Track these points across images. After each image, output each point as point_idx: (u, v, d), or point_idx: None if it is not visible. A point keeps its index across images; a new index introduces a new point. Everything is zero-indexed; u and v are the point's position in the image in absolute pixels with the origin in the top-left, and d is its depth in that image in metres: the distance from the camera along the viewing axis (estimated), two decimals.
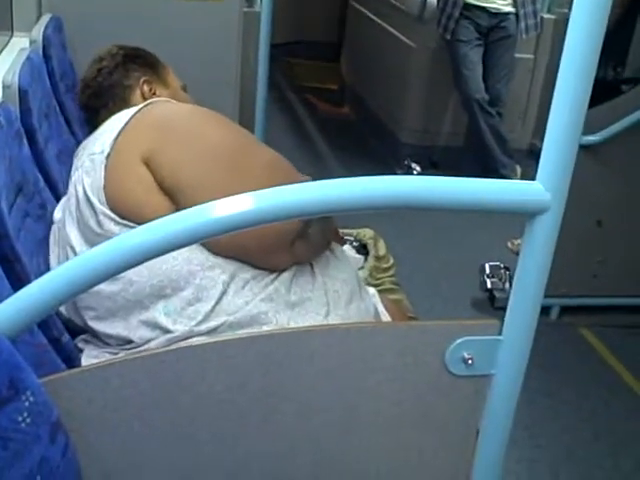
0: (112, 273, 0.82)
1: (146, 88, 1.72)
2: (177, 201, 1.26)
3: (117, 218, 1.27)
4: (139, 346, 1.25)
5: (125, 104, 1.65)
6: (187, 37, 2.31)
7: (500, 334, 0.98)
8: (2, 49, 2.01)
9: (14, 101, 1.50)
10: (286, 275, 1.31)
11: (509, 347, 0.98)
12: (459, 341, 0.97)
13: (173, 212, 1.24)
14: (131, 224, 1.26)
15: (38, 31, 1.93)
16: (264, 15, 2.60)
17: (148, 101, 1.47)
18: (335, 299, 1.34)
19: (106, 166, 1.30)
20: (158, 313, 1.24)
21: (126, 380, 0.90)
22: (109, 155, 1.30)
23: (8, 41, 2.09)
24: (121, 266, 0.82)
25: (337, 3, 6.44)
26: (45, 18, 2.08)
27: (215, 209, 0.83)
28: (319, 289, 1.33)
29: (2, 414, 0.76)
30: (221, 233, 0.84)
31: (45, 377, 0.86)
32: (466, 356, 0.98)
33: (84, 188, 1.32)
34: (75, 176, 1.38)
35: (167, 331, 1.23)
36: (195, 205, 0.85)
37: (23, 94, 1.52)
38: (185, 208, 1.22)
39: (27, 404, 0.78)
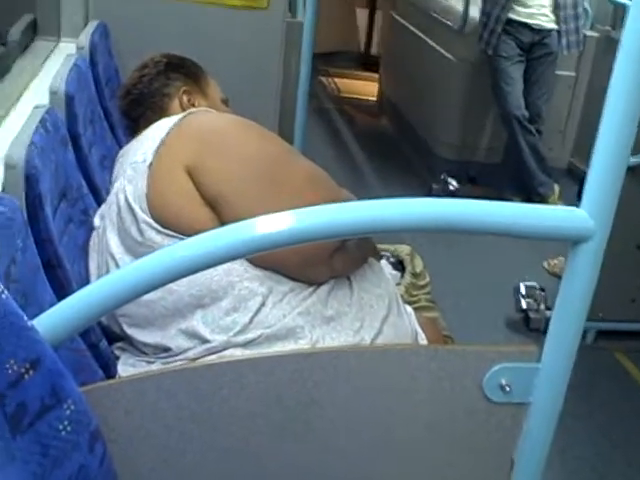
0: (155, 286, 0.83)
1: (185, 98, 1.72)
2: (218, 211, 1.27)
3: (158, 227, 1.28)
4: (176, 355, 1.26)
5: (163, 113, 1.66)
6: (231, 45, 2.32)
7: (539, 361, 0.97)
8: (49, 54, 2.04)
9: (61, 107, 1.52)
10: (324, 289, 1.31)
11: (548, 375, 0.97)
12: (497, 367, 0.96)
13: (214, 222, 1.26)
14: (172, 233, 1.27)
15: (85, 37, 1.96)
16: (307, 25, 2.61)
17: (189, 110, 1.48)
18: (371, 314, 1.34)
19: (149, 175, 1.31)
20: (196, 322, 1.25)
21: (163, 392, 0.91)
22: (151, 164, 1.32)
23: (55, 46, 2.12)
24: (164, 279, 0.83)
25: (379, 14, 6.47)
26: (92, 24, 2.11)
27: (258, 226, 0.84)
28: (355, 304, 1.33)
29: (44, 421, 0.77)
30: (263, 250, 0.85)
31: (85, 386, 0.87)
32: (504, 383, 0.97)
33: (126, 196, 1.33)
34: (117, 184, 1.40)
35: (205, 341, 1.24)
36: (235, 216, 0.85)
37: (69, 100, 1.54)
38: (226, 218, 1.26)
39: (68, 412, 0.79)
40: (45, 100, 1.52)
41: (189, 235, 0.95)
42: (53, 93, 1.53)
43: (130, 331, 1.32)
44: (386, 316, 1.36)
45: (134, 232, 1.31)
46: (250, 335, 1.23)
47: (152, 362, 1.28)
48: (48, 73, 1.76)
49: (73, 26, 2.14)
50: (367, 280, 1.39)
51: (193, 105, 1.71)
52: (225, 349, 1.23)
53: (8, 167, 1.17)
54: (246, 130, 1.40)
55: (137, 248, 1.30)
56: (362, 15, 7.00)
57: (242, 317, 1.24)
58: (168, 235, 1.27)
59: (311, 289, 1.30)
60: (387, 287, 1.44)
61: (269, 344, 1.23)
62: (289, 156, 1.41)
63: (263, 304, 1.26)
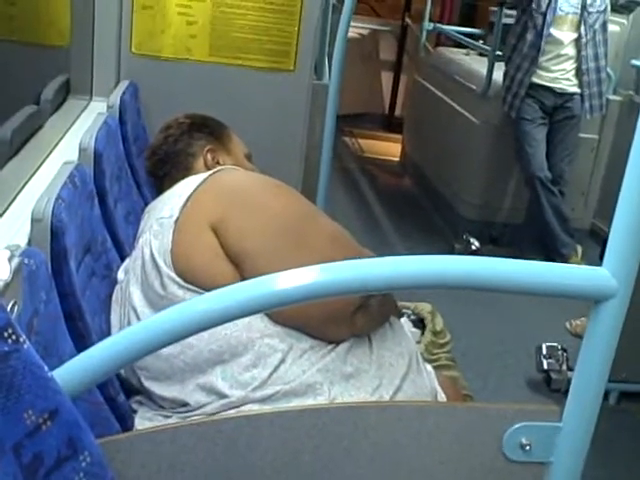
0: (174, 339, 0.83)
1: (209, 157, 1.75)
2: (242, 269, 1.28)
3: (181, 282, 1.29)
4: (194, 410, 1.25)
5: (188, 172, 1.68)
6: (257, 106, 2.37)
7: (560, 420, 0.96)
8: (81, 113, 2.09)
9: (89, 163, 1.55)
10: (343, 346, 1.31)
11: (569, 435, 0.95)
12: (517, 426, 0.95)
13: (236, 278, 1.27)
14: (195, 288, 1.28)
15: (116, 96, 2.01)
16: (332, 88, 2.66)
17: (217, 168, 1.51)
18: (390, 372, 1.33)
19: (174, 230, 1.33)
20: (215, 378, 1.25)
21: (180, 446, 0.90)
22: (178, 219, 1.34)
23: (87, 105, 2.17)
24: (183, 333, 0.83)
25: (402, 77, 6.57)
26: (123, 84, 2.16)
27: (278, 281, 0.85)
28: (375, 362, 1.32)
29: (59, 473, 0.77)
30: (283, 305, 0.85)
31: (101, 438, 0.87)
32: (524, 442, 0.96)
33: (151, 250, 1.35)
34: (142, 238, 1.42)
35: (223, 396, 1.24)
36: (257, 272, 0.86)
37: (98, 157, 1.57)
38: (247, 274, 1.27)
39: (84, 464, 0.79)
40: (75, 156, 1.55)
41: (211, 290, 0.97)
42: (83, 150, 1.56)
43: (148, 384, 1.32)
44: (406, 374, 1.35)
45: (157, 286, 1.32)
46: (268, 391, 1.23)
47: (169, 416, 1.28)
48: (79, 130, 1.80)
49: (104, 86, 2.20)
50: (387, 338, 1.39)
51: (218, 163, 1.74)
52: (243, 404, 1.22)
53: (35, 220, 1.19)
54: (272, 189, 1.42)
55: (159, 302, 1.31)
56: (386, 78, 7.12)
57: (261, 373, 1.24)
58: (190, 290, 1.28)
59: (330, 346, 1.30)
60: (407, 345, 1.43)
61: (287, 400, 1.23)
62: (313, 215, 1.42)
63: (283, 360, 1.26)
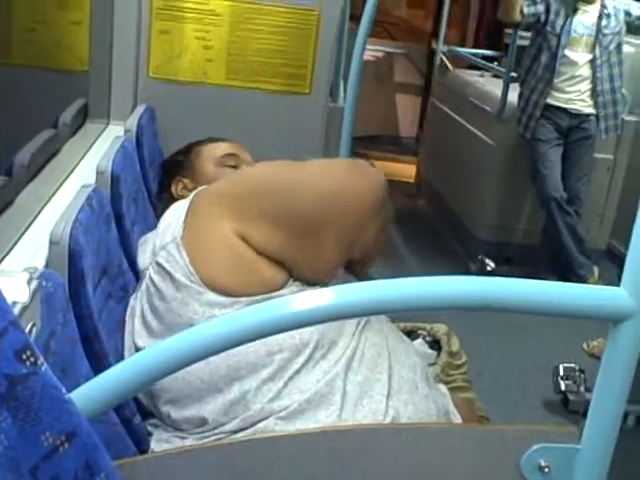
0: (192, 361, 0.83)
1: (176, 188, 1.85)
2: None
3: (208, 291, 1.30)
4: (212, 429, 1.25)
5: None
6: (273, 129, 2.38)
7: (579, 442, 0.95)
8: (98, 136, 2.12)
9: (106, 186, 1.56)
10: (355, 356, 1.31)
11: (588, 457, 0.94)
12: (536, 447, 0.94)
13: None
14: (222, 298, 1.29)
15: (133, 120, 2.03)
16: (347, 110, 2.66)
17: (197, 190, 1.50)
18: (400, 384, 1.33)
19: (184, 245, 1.33)
20: (233, 395, 1.25)
21: (197, 468, 0.90)
22: (183, 237, 1.35)
23: (104, 129, 2.19)
24: (203, 354, 0.83)
25: (416, 99, 6.59)
26: (140, 108, 2.19)
27: (296, 303, 0.85)
28: (385, 371, 1.33)
29: None
30: (305, 325, 0.85)
31: (118, 460, 0.87)
32: (543, 463, 0.95)
33: (163, 277, 1.35)
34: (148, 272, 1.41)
35: (242, 410, 1.24)
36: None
37: (115, 180, 1.58)
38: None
39: None
40: (92, 179, 1.57)
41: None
42: (100, 173, 1.57)
43: (165, 409, 1.32)
44: (416, 387, 1.35)
45: (193, 306, 1.32)
46: (285, 402, 1.23)
47: (186, 438, 1.28)
48: (96, 154, 1.82)
49: (122, 110, 2.22)
50: (399, 351, 1.39)
51: (185, 190, 1.80)
52: (261, 420, 1.22)
53: (53, 243, 1.20)
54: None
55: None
56: (402, 101, 7.14)
57: (277, 384, 1.25)
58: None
59: (340, 353, 1.30)
60: (418, 359, 1.44)
61: (302, 413, 1.23)
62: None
63: (298, 371, 1.26)
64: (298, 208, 1.32)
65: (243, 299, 1.28)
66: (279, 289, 1.31)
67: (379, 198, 1.40)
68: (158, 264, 1.36)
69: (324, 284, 1.35)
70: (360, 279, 1.50)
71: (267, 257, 1.31)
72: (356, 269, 1.52)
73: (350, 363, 1.30)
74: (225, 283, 1.30)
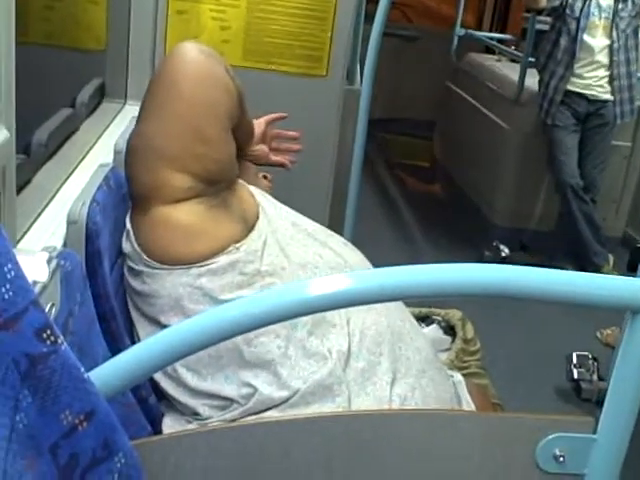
0: (209, 343, 0.84)
1: None
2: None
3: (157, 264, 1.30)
4: (226, 407, 1.26)
5: None
6: (289, 111, 2.37)
7: (595, 432, 0.95)
8: (116, 116, 2.11)
9: (123, 165, 1.56)
10: (355, 339, 1.31)
11: (603, 447, 0.94)
12: (551, 436, 0.94)
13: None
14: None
15: None
16: (364, 93, 2.66)
17: None
18: (406, 366, 1.33)
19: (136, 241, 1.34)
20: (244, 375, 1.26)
21: (213, 449, 0.91)
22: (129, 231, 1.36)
23: (121, 108, 2.19)
24: (217, 337, 0.83)
25: (432, 83, 6.54)
26: None
27: (309, 288, 0.85)
28: (388, 355, 1.32)
29: (94, 474, 0.78)
30: (317, 311, 0.86)
31: (135, 440, 0.88)
32: (558, 453, 0.95)
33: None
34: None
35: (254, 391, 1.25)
36: None
37: None
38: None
39: (119, 465, 0.80)
40: (109, 159, 1.57)
41: None
42: (117, 152, 1.57)
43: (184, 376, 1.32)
44: (423, 370, 1.35)
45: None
46: (285, 393, 1.24)
47: (190, 422, 1.28)
48: (113, 133, 1.82)
49: (138, 89, 2.20)
50: (404, 332, 1.38)
51: None
52: (264, 409, 1.23)
53: (70, 223, 1.21)
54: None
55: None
56: (417, 83, 7.10)
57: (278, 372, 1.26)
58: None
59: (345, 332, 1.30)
60: (425, 341, 1.44)
61: (306, 405, 1.23)
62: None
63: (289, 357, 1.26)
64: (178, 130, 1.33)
65: (209, 261, 1.28)
66: (239, 239, 1.31)
67: (211, 70, 1.43)
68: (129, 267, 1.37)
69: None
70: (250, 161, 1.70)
71: (205, 212, 1.30)
72: (245, 151, 1.65)
73: (349, 350, 1.29)
74: (182, 255, 1.29)
